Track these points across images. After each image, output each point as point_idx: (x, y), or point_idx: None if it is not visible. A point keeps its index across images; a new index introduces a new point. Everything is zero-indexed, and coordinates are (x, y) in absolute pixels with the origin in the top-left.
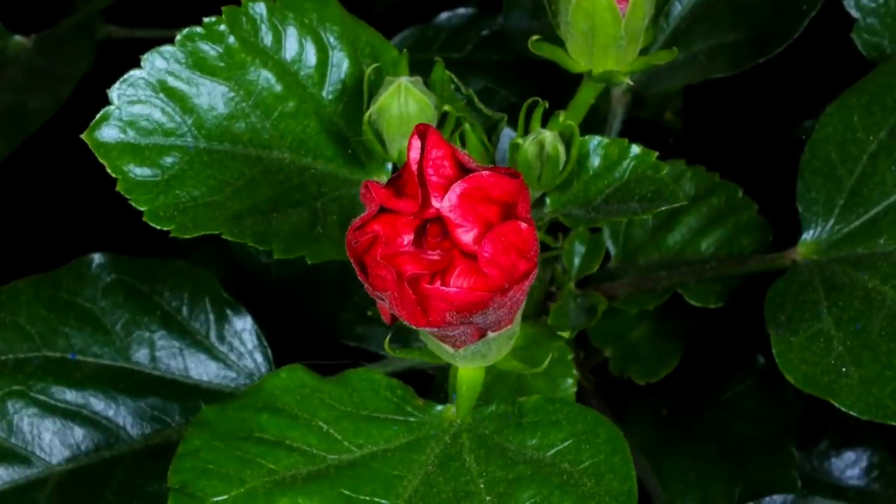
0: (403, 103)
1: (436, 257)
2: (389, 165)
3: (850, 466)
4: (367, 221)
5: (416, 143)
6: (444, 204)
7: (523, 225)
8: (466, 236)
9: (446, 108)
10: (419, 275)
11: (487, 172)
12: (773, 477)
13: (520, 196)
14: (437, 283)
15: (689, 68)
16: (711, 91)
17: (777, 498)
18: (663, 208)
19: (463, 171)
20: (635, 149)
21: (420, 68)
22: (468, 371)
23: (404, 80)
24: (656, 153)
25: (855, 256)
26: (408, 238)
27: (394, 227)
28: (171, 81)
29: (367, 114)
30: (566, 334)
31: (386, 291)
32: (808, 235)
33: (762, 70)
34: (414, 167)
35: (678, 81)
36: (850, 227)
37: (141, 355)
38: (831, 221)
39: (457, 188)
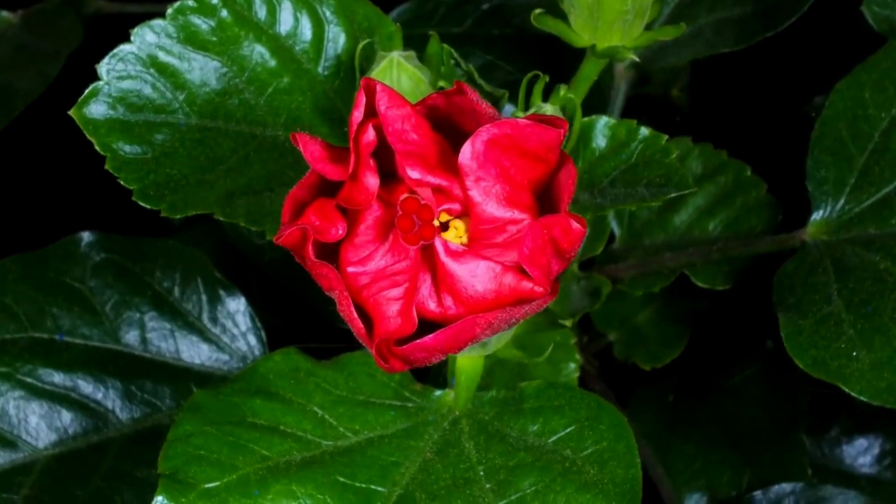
0: (396, 78)
1: (400, 267)
2: None
3: (862, 454)
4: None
5: (361, 99)
6: (465, 153)
7: (575, 224)
8: (484, 198)
9: (441, 83)
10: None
11: (525, 121)
12: (782, 465)
13: (563, 171)
14: (398, 307)
15: (695, 43)
16: (718, 66)
17: (786, 486)
18: (673, 195)
19: (436, 133)
20: (644, 131)
21: (418, 43)
22: (467, 360)
23: (397, 54)
24: (666, 136)
25: (866, 237)
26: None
27: (329, 218)
28: (162, 56)
29: None
30: (568, 323)
31: (333, 291)
32: (817, 215)
33: (770, 44)
34: (354, 128)
35: (684, 56)
36: (861, 206)
37: (131, 337)
38: (842, 201)
39: (484, 134)
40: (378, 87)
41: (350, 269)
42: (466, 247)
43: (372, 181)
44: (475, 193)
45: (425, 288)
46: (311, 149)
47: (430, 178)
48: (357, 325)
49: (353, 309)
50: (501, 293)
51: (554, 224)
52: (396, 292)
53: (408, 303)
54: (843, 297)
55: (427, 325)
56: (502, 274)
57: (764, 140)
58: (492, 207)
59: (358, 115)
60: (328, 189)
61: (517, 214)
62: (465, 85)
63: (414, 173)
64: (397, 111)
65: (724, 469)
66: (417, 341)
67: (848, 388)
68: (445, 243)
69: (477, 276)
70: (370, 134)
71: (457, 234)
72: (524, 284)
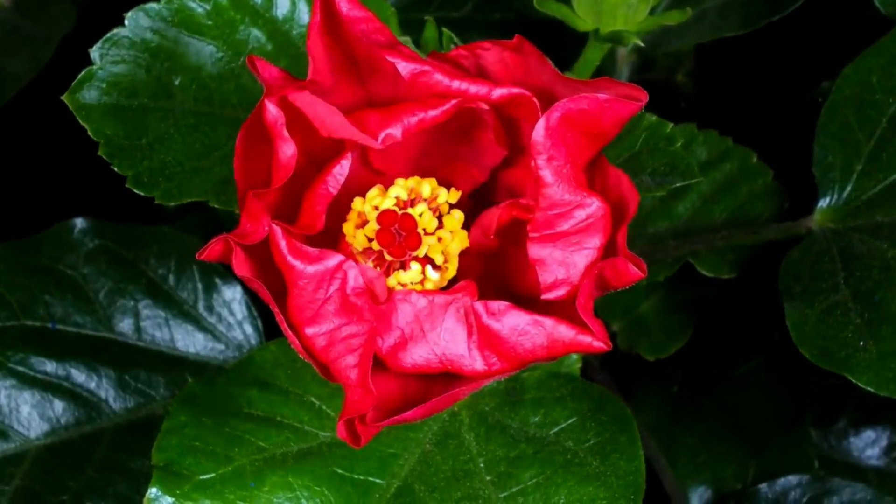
0: None
1: (353, 330)
2: None
3: (870, 446)
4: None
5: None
6: (539, 130)
7: (633, 269)
8: (555, 179)
9: None
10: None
11: (604, 95)
12: (789, 457)
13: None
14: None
15: (700, 27)
16: (724, 51)
17: (792, 479)
18: (678, 184)
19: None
20: (649, 117)
21: (417, 28)
22: None
23: None
24: (671, 124)
25: (874, 224)
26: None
27: (256, 217)
28: (157, 41)
29: None
30: None
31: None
32: (824, 202)
33: (776, 28)
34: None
35: (689, 41)
36: (868, 193)
37: (125, 325)
38: (849, 188)
39: (560, 108)
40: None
41: (308, 331)
42: (506, 305)
43: (287, 149)
44: (546, 174)
45: (463, 348)
46: (269, 71)
47: (422, 67)
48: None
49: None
50: (554, 347)
51: (609, 266)
52: (352, 360)
53: (363, 372)
54: (850, 286)
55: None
56: (553, 327)
57: (770, 126)
58: (563, 190)
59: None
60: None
61: (586, 199)
62: (525, 41)
63: (404, 65)
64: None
65: (729, 461)
66: (399, 416)
67: (855, 379)
68: (486, 304)
69: (526, 334)
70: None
71: (440, 247)
72: (582, 339)
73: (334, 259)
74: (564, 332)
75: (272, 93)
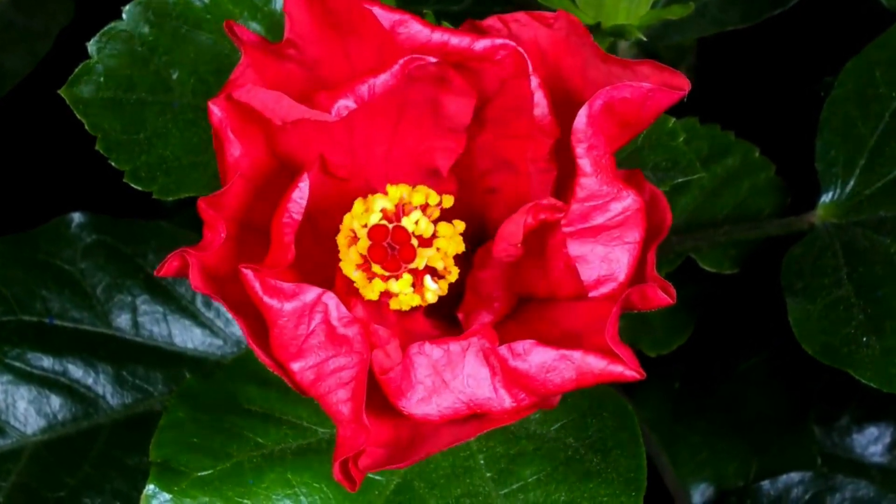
0: None
1: (342, 362)
2: None
3: (873, 443)
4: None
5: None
6: (581, 118)
7: (662, 295)
8: (594, 169)
9: None
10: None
11: (648, 84)
12: (791, 454)
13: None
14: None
15: (702, 20)
16: (726, 45)
17: (795, 476)
18: (679, 180)
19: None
20: None
21: None
22: None
23: None
24: (672, 119)
25: (877, 219)
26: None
27: (213, 226)
28: (155, 34)
29: None
30: None
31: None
32: (827, 197)
33: (778, 22)
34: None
35: (691, 35)
36: (871, 188)
37: (122, 321)
38: (852, 182)
39: (604, 96)
40: None
41: (293, 366)
42: (534, 341)
43: (234, 151)
44: (585, 163)
45: (488, 389)
46: (247, 35)
47: (402, 16)
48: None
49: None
50: (584, 378)
51: (637, 292)
52: (343, 394)
53: (356, 407)
54: (853, 282)
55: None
56: (583, 359)
57: (772, 121)
58: (601, 181)
59: None
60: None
61: (622, 191)
62: (566, 14)
63: (383, 14)
64: None
65: (732, 459)
66: (410, 459)
67: (858, 375)
68: (510, 347)
69: (555, 369)
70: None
71: (438, 255)
72: (613, 369)
73: (312, 293)
74: (595, 363)
75: (244, 60)
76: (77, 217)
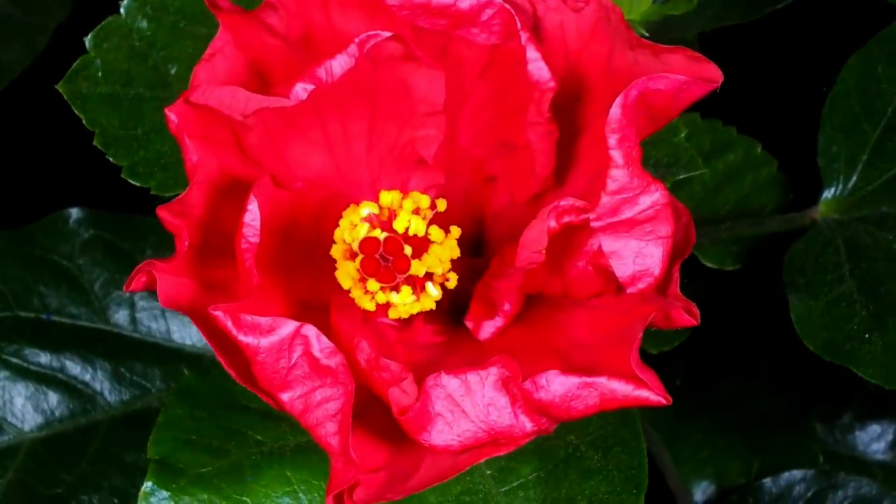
0: None
1: (329, 393)
2: None
3: (876, 440)
4: None
5: None
6: (616, 109)
7: (686, 317)
8: (625, 161)
9: None
10: None
11: (682, 76)
12: (793, 451)
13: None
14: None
15: (703, 15)
16: (727, 40)
17: (797, 473)
18: (681, 176)
19: None
20: None
21: None
22: None
23: None
24: None
25: (879, 215)
26: None
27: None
28: (153, 29)
29: None
30: None
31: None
32: (829, 193)
33: (780, 18)
34: None
35: (692, 30)
36: (874, 184)
37: (120, 317)
38: (854, 178)
39: (639, 86)
40: None
41: (282, 396)
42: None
43: (192, 156)
44: (617, 155)
45: (509, 417)
46: (225, 2)
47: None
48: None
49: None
50: (607, 403)
51: (661, 313)
52: (331, 427)
53: (343, 440)
54: (856, 278)
55: None
56: (607, 385)
57: (774, 116)
58: (631, 173)
59: None
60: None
61: (651, 184)
62: None
63: None
64: None
65: (733, 456)
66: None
67: (860, 372)
68: (533, 381)
69: (578, 397)
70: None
71: (435, 263)
72: (639, 394)
73: (289, 327)
74: (620, 388)
75: (221, 31)
76: (75, 212)
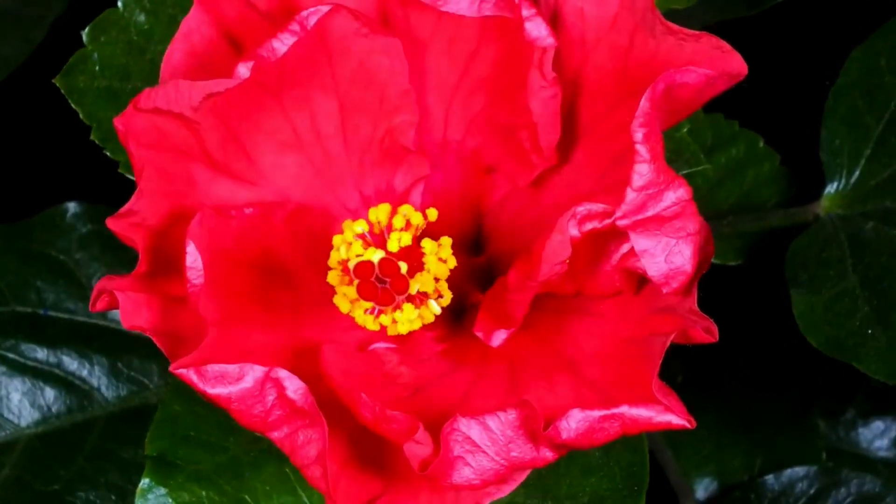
0: None
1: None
2: None
3: (879, 437)
4: None
5: None
6: (645, 104)
7: (706, 336)
8: (650, 156)
9: None
10: None
11: (710, 70)
12: (796, 448)
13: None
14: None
15: (706, 9)
16: (730, 33)
17: (799, 470)
18: (683, 171)
19: None
20: None
21: None
22: None
23: None
24: None
25: (883, 210)
26: None
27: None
28: (151, 22)
29: None
30: None
31: None
32: (832, 188)
33: (783, 10)
34: None
35: (694, 23)
36: (877, 178)
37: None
38: (857, 173)
39: (667, 79)
40: None
41: (272, 435)
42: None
43: (139, 164)
44: (643, 149)
45: (530, 452)
46: None
47: None
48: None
49: None
50: (629, 429)
51: (680, 333)
52: (317, 471)
53: (328, 485)
54: (859, 273)
55: None
56: (629, 413)
57: (777, 110)
58: (656, 168)
59: None
60: None
61: (674, 179)
62: None
63: None
64: None
65: (736, 453)
66: None
67: (864, 368)
68: (556, 427)
69: (601, 430)
70: None
71: (426, 279)
72: (662, 419)
73: (257, 371)
74: (643, 415)
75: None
76: (72, 207)
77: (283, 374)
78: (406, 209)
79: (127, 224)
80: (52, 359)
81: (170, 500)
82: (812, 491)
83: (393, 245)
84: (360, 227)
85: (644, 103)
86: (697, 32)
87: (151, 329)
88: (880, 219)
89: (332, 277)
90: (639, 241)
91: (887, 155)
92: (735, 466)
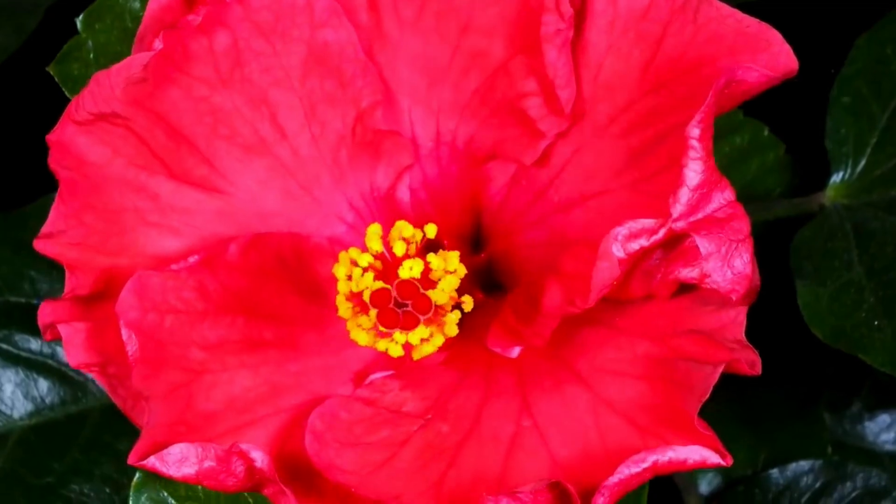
0: None
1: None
2: None
3: (885, 430)
4: None
5: None
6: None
7: (749, 370)
8: (701, 155)
9: None
10: None
11: (760, 69)
12: (801, 442)
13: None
14: None
15: None
16: None
17: (804, 464)
18: None
19: None
20: None
21: None
22: None
23: None
24: None
25: (888, 199)
26: None
27: None
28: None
29: None
30: None
31: None
32: (837, 177)
33: None
34: None
35: None
36: (882, 167)
37: None
38: (863, 162)
39: (720, 82)
40: None
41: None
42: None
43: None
44: (699, 147)
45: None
46: None
47: None
48: None
49: None
50: (661, 471)
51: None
52: None
53: None
54: (864, 264)
55: None
56: (663, 454)
57: (781, 98)
58: (708, 168)
59: None
60: None
61: (721, 179)
62: None
63: None
64: None
65: (740, 446)
66: None
67: (869, 360)
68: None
69: (636, 476)
70: None
71: (443, 289)
72: (703, 455)
73: (216, 451)
74: (682, 456)
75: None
76: None
77: (244, 446)
78: (403, 227)
79: (57, 242)
80: (46, 349)
81: (165, 494)
82: (817, 485)
83: (405, 272)
84: (366, 259)
85: (709, 99)
86: (748, 18)
87: (99, 368)
88: (886, 208)
89: (344, 311)
90: (703, 244)
91: (893, 144)
92: (739, 460)
